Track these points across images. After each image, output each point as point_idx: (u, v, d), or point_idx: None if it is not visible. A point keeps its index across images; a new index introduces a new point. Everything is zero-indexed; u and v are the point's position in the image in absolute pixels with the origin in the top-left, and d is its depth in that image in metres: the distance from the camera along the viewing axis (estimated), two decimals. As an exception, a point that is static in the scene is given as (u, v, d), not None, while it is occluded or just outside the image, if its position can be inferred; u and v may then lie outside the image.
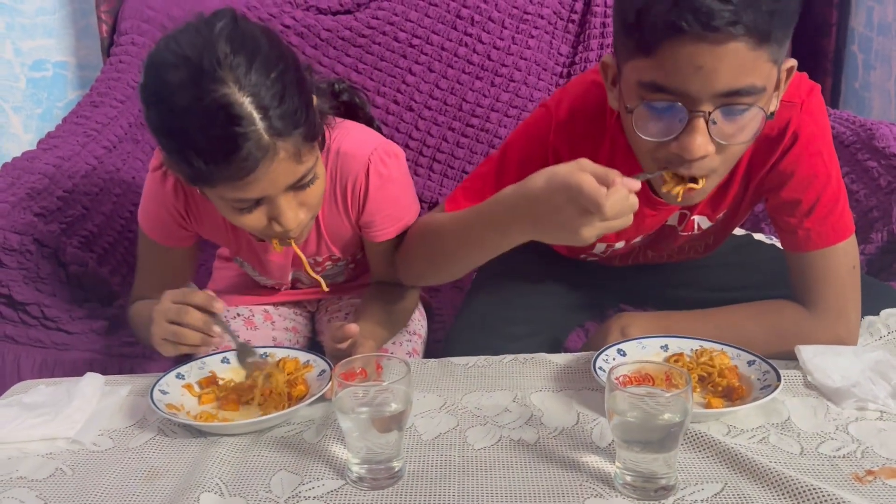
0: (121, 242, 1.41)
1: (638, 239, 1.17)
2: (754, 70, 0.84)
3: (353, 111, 1.17)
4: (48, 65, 2.02)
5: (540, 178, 0.87)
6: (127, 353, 1.25)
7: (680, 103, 0.85)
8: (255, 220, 0.95)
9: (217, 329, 0.91)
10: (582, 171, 0.83)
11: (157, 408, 0.88)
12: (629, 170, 0.97)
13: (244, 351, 0.96)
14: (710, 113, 0.85)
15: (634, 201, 0.84)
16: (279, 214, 0.94)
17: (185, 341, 0.90)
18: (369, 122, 1.19)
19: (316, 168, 0.96)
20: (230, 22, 0.88)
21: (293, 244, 1.01)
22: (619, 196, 0.82)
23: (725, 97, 0.84)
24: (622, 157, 1.03)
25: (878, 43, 1.89)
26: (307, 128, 0.90)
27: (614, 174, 0.83)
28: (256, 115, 0.85)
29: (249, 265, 1.19)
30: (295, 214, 0.95)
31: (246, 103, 0.84)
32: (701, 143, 0.86)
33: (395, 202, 1.11)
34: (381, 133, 1.17)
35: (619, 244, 1.19)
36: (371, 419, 0.77)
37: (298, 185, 0.94)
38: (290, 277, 1.21)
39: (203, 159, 0.86)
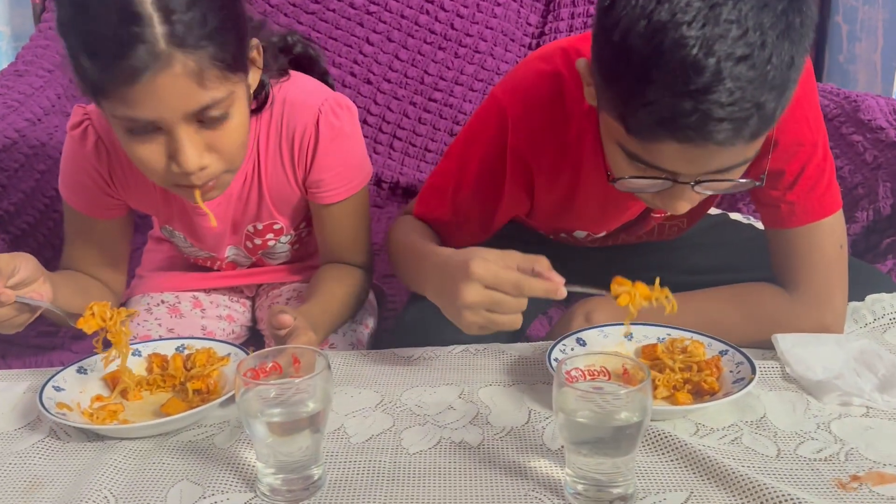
0: (44, 223, 1.29)
1: (620, 226, 1.09)
2: (748, 150, 0.76)
3: (307, 68, 1.07)
4: (-20, 34, 1.89)
5: (459, 256, 0.82)
6: (42, 344, 1.13)
7: (665, 178, 0.78)
8: (151, 153, 0.83)
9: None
10: (485, 261, 0.79)
11: (44, 407, 0.76)
12: (599, 166, 0.93)
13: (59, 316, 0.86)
14: (696, 182, 0.78)
15: (525, 293, 0.79)
16: (177, 149, 0.82)
17: None
18: (323, 78, 1.08)
19: (233, 106, 0.84)
20: None
21: (198, 198, 0.88)
22: (510, 281, 0.78)
23: (715, 173, 0.78)
24: (590, 148, 0.94)
25: (863, 13, 1.80)
26: (220, 48, 0.79)
27: (541, 265, 0.79)
28: (157, 17, 0.75)
29: (182, 234, 1.08)
30: (198, 154, 0.83)
31: (148, 2, 0.75)
32: (686, 204, 0.82)
33: (345, 160, 1.01)
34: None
35: (601, 234, 1.10)
36: (283, 422, 0.67)
37: (204, 119, 0.82)
38: (226, 253, 1.10)
39: (92, 58, 0.77)
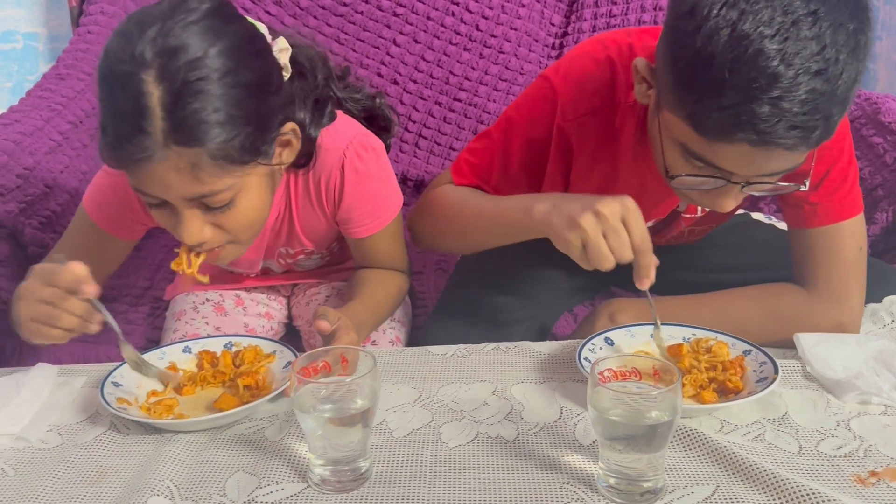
0: (87, 223, 1.34)
1: (650, 223, 1.12)
2: (803, 157, 0.82)
3: (378, 124, 1.09)
4: (18, 36, 1.94)
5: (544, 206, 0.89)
6: (91, 339, 1.18)
7: (720, 177, 0.84)
8: (162, 217, 0.88)
9: (99, 316, 0.83)
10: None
11: (107, 402, 0.81)
12: (636, 156, 0.98)
13: (137, 361, 0.88)
14: (747, 183, 0.84)
15: (626, 253, 0.84)
16: (178, 224, 0.86)
17: (59, 324, 0.81)
18: (387, 142, 1.10)
19: (239, 194, 0.86)
20: (206, 10, 0.81)
21: (195, 268, 0.91)
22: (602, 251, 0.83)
23: (766, 175, 0.84)
24: (630, 141, 0.98)
25: (884, 12, 1.81)
26: (224, 145, 0.81)
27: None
28: (159, 113, 0.78)
29: None
30: (198, 230, 0.86)
31: (155, 96, 0.77)
32: (731, 203, 0.87)
33: (373, 199, 1.03)
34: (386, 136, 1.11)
35: None
36: (334, 417, 0.72)
37: (207, 204, 0.85)
38: (259, 266, 1.15)
39: (104, 133, 0.81)
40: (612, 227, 0.82)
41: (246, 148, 0.83)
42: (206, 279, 0.92)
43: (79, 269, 0.81)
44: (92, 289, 0.81)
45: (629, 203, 0.84)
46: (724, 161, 0.81)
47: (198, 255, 0.90)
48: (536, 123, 1.01)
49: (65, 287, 0.80)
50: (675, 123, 0.83)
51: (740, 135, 0.76)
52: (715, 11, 0.74)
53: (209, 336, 0.98)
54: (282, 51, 0.90)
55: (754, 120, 0.74)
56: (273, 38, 0.90)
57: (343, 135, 1.00)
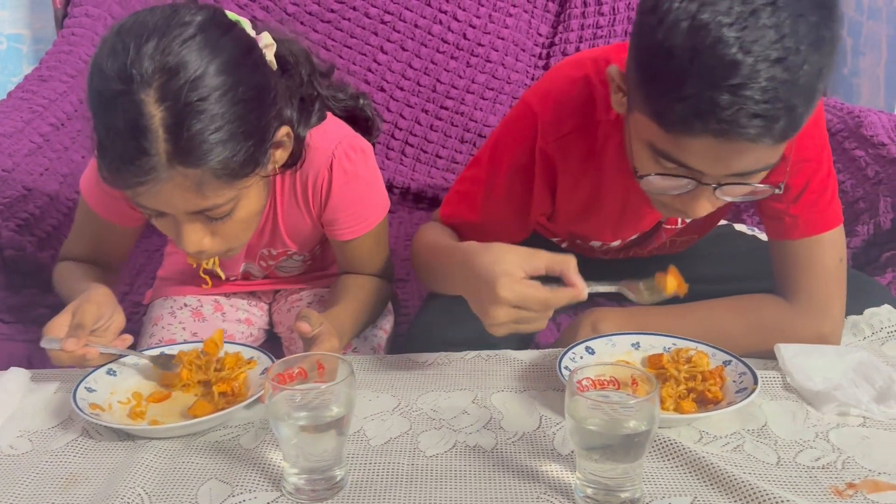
0: (66, 225, 1.32)
1: (634, 237, 1.12)
2: (773, 155, 0.81)
3: (360, 125, 1.09)
4: (1, 37, 1.92)
5: (486, 257, 0.84)
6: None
7: (690, 177, 0.83)
8: (162, 226, 0.89)
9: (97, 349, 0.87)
10: (513, 281, 0.80)
11: (79, 408, 0.80)
12: (620, 170, 0.97)
13: (163, 362, 0.90)
14: (719, 185, 0.83)
15: (552, 307, 0.82)
16: (178, 235, 0.87)
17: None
18: (368, 140, 1.09)
19: (239, 202, 0.87)
20: (201, 23, 0.80)
21: (209, 262, 0.95)
22: (538, 300, 0.80)
23: (738, 175, 0.82)
24: (614, 156, 0.98)
25: (867, 28, 1.83)
26: (226, 162, 0.81)
27: (568, 268, 0.82)
28: (162, 135, 0.77)
29: None
30: (197, 240, 0.88)
31: (157, 118, 0.76)
32: (705, 207, 0.86)
33: (360, 201, 1.03)
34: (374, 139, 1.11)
35: (616, 243, 1.13)
36: (308, 425, 0.70)
37: (209, 216, 0.86)
38: (240, 269, 1.14)
39: (102, 155, 0.80)
40: (518, 320, 0.82)
41: (247, 161, 0.83)
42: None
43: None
44: (91, 354, 0.86)
45: (504, 292, 0.80)
46: (690, 157, 0.80)
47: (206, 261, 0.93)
48: (519, 147, 1.01)
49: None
50: (643, 122, 0.82)
51: (701, 125, 0.75)
52: (676, 5, 0.74)
53: (185, 342, 0.97)
54: (267, 46, 0.90)
55: (715, 108, 0.74)
56: (257, 34, 0.89)
57: (332, 135, 1.00)
